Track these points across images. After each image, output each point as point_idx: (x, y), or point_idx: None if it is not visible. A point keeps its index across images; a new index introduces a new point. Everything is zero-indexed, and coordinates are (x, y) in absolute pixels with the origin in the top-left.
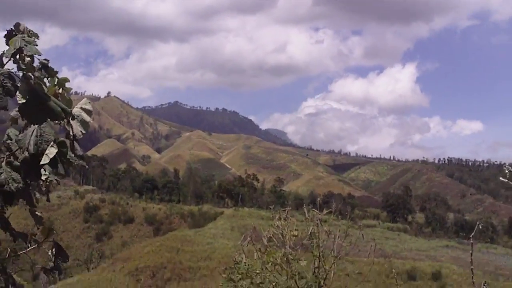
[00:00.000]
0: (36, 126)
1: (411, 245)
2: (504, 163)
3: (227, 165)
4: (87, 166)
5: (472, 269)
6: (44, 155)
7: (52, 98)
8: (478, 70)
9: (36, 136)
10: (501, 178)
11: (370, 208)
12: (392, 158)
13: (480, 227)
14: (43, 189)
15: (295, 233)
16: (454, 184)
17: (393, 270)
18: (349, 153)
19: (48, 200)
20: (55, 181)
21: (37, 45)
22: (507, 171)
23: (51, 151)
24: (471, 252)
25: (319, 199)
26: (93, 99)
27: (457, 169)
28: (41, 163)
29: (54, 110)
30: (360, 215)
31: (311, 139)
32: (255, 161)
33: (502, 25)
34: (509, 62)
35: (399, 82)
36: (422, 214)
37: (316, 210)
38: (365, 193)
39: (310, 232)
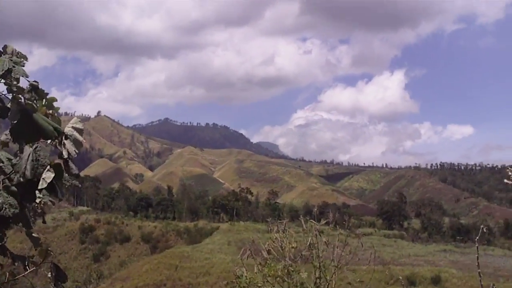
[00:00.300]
0: (31, 150)
1: (408, 251)
2: (496, 166)
3: (220, 180)
4: (80, 186)
5: (479, 272)
6: (42, 180)
7: (43, 117)
8: (467, 74)
9: (32, 160)
10: (506, 181)
11: (365, 216)
12: (384, 166)
13: (485, 230)
14: (39, 211)
15: (294, 244)
16: (447, 188)
17: (399, 277)
18: (342, 162)
19: (44, 221)
20: (50, 203)
21: (24, 66)
22: (510, 173)
23: (48, 176)
24: (477, 255)
25: (315, 209)
26: (83, 119)
27: (450, 174)
28: (39, 187)
29: (46, 129)
30: (356, 223)
31: (303, 150)
32: (248, 175)
33: (489, 27)
34: (496, 64)
35: (388, 89)
36: (418, 220)
37: (313, 221)
38: (359, 202)
39: (309, 243)
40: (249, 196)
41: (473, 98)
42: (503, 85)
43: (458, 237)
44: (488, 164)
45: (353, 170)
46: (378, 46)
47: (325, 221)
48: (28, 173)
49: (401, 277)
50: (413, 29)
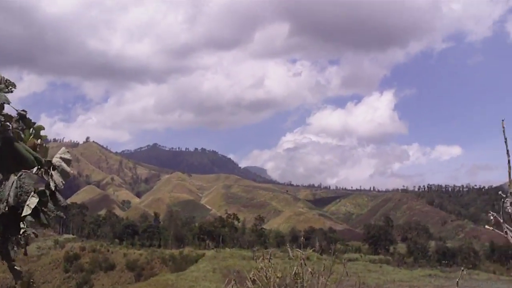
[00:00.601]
0: (16, 177)
1: (393, 276)
2: (484, 186)
3: (207, 206)
4: (65, 217)
5: None
6: (25, 206)
7: (25, 146)
8: (456, 93)
9: (16, 187)
10: (486, 226)
11: (352, 241)
12: (372, 189)
13: (464, 272)
14: (22, 242)
15: (279, 274)
16: (434, 211)
17: None
18: (329, 186)
19: (25, 254)
20: (32, 235)
21: (10, 92)
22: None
23: (32, 201)
24: None
25: (302, 238)
26: (72, 145)
27: (437, 196)
28: (23, 214)
29: (27, 159)
30: (342, 249)
31: (291, 174)
32: (235, 200)
33: (477, 45)
34: (484, 83)
35: (377, 110)
36: (404, 244)
37: (299, 250)
38: (346, 227)
39: (294, 273)
40: (236, 222)
41: (461, 118)
42: (491, 104)
43: (444, 261)
44: (476, 185)
45: (341, 194)
46: (368, 67)
47: (311, 249)
48: (11, 200)
49: None
50: (402, 49)
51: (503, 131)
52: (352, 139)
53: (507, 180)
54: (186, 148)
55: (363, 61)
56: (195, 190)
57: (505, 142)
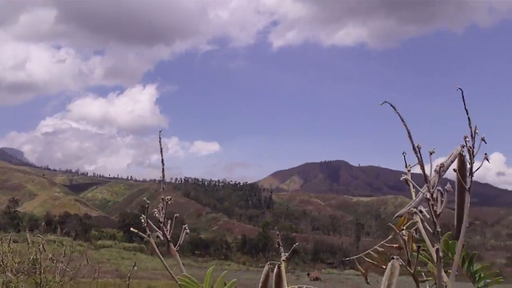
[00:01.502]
0: None
1: (147, 264)
2: (239, 182)
3: None
4: None
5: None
6: None
7: None
8: (217, 93)
9: None
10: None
11: (107, 228)
12: (129, 178)
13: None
14: None
15: (18, 259)
16: (190, 203)
17: None
18: (87, 173)
19: None
20: None
21: None
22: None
23: None
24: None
25: (43, 224)
26: None
27: (193, 189)
28: None
29: None
30: (97, 235)
31: (48, 158)
32: None
33: (240, 51)
34: (245, 86)
35: (139, 103)
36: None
37: (40, 236)
38: (102, 213)
39: (33, 258)
40: None
41: (221, 117)
42: (251, 106)
43: (197, 252)
44: (231, 181)
45: (98, 181)
46: (133, 60)
47: (54, 234)
48: None
49: None
50: (167, 46)
51: (159, 137)
52: (112, 128)
53: (261, 177)
54: None
55: (128, 54)
56: None
57: (159, 140)
